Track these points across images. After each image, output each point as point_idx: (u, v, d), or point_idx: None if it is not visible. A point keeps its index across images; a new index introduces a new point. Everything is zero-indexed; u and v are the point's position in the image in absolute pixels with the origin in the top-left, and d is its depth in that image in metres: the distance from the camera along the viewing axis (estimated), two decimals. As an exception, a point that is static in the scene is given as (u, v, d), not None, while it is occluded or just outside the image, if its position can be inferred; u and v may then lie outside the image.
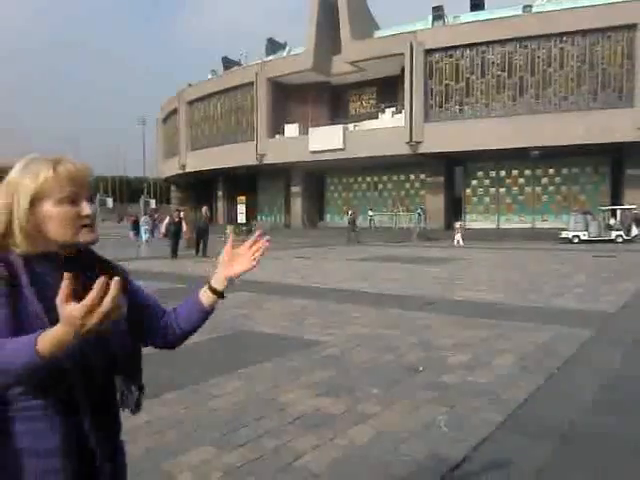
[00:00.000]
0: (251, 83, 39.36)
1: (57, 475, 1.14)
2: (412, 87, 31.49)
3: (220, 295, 1.42)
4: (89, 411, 1.17)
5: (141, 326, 1.36)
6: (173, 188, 57.91)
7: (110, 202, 78.73)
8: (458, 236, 25.08)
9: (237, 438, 3.41)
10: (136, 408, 1.35)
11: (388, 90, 36.47)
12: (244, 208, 39.22)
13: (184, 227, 18.72)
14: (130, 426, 3.51)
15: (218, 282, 1.42)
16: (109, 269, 1.32)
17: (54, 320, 1.07)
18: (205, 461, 3.10)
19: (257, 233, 1.42)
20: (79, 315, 0.96)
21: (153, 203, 69.23)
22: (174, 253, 17.51)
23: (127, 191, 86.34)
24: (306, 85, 38.68)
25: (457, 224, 26.28)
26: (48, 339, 0.99)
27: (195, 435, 3.46)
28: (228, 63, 45.44)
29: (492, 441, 3.39)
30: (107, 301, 0.97)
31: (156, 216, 33.30)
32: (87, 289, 1.20)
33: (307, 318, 7.40)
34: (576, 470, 3.05)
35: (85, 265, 1.25)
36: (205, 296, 1.41)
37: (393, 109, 35.03)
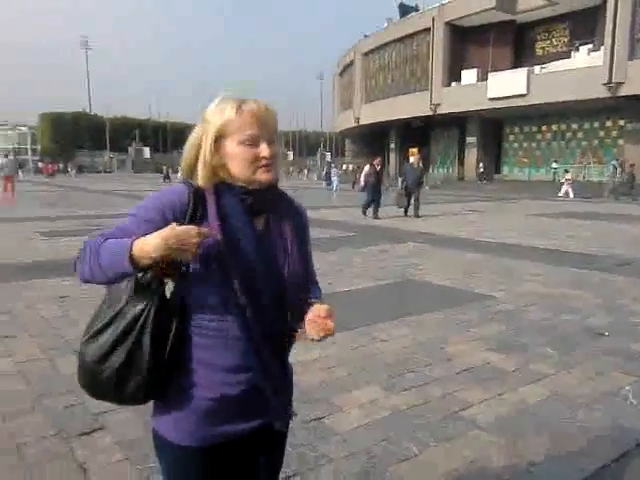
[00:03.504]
0: (427, 29, 37.79)
1: (232, 387, 1.26)
2: (615, 18, 27.33)
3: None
4: (261, 336, 1.25)
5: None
6: (347, 141, 59.17)
7: (290, 155, 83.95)
8: (567, 187, 24.00)
9: (403, 382, 3.48)
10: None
11: (584, 25, 32.18)
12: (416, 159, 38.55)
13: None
14: (303, 360, 3.81)
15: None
16: (289, 207, 1.40)
17: (232, 251, 1.20)
18: (372, 400, 3.23)
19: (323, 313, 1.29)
20: (176, 234, 1.10)
21: (329, 156, 71.82)
22: (368, 209, 14.25)
23: (306, 145, 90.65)
24: (487, 26, 35.91)
25: (567, 175, 24.68)
26: (140, 245, 1.12)
27: (363, 375, 3.61)
28: (405, 9, 44.09)
29: (692, 420, 2.98)
30: (193, 237, 1.11)
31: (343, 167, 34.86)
32: (268, 224, 1.30)
33: (479, 272, 7.15)
34: None
35: (268, 200, 1.32)
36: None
37: (589, 46, 30.92)
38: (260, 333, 1.25)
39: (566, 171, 26.43)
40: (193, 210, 1.23)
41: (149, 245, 1.11)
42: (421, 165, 15.87)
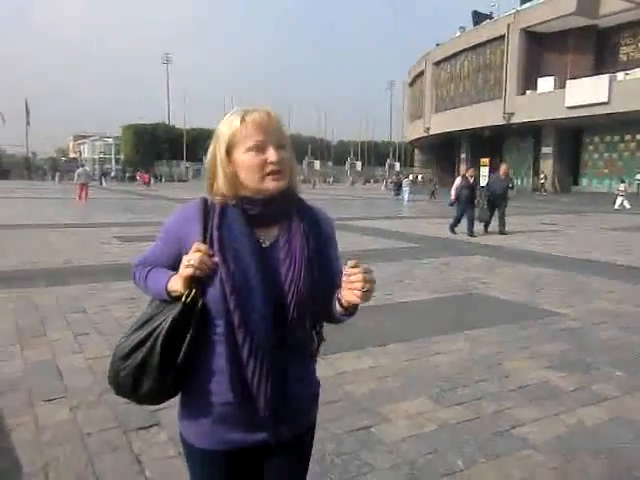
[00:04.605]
0: (502, 36, 36.83)
1: (227, 395, 1.25)
2: None
3: (347, 312, 1.27)
4: (251, 346, 1.22)
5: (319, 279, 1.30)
6: (416, 151, 58.56)
7: (359, 165, 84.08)
8: (620, 199, 23.09)
9: (455, 396, 3.42)
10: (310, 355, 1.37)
11: (674, 27, 30.25)
12: (487, 171, 37.56)
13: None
14: (355, 369, 3.83)
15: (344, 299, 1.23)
16: (305, 215, 1.34)
17: (226, 262, 1.23)
18: (422, 412, 3.19)
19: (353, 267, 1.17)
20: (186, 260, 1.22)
21: (397, 166, 71.26)
22: (457, 226, 12.83)
23: (375, 154, 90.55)
24: (566, 32, 34.54)
25: (621, 186, 23.68)
26: (171, 288, 1.27)
27: (414, 386, 3.57)
28: (478, 17, 43.28)
29: None
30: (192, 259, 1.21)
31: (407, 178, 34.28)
32: (278, 234, 1.31)
33: (546, 287, 6.87)
34: None
35: (275, 210, 1.30)
36: (336, 305, 1.28)
37: (679, 50, 29.01)
38: (251, 343, 1.22)
39: (622, 181, 25.29)
40: (204, 224, 1.27)
41: (175, 287, 1.26)
42: (509, 175, 14.24)
